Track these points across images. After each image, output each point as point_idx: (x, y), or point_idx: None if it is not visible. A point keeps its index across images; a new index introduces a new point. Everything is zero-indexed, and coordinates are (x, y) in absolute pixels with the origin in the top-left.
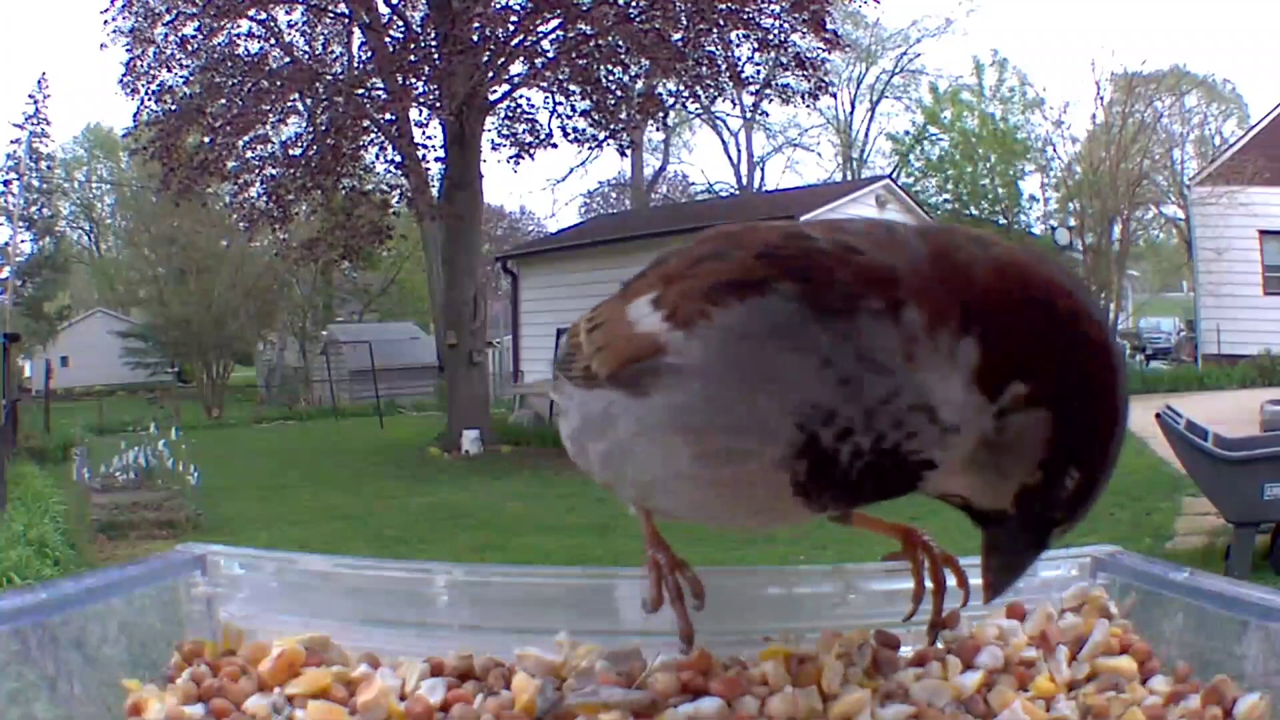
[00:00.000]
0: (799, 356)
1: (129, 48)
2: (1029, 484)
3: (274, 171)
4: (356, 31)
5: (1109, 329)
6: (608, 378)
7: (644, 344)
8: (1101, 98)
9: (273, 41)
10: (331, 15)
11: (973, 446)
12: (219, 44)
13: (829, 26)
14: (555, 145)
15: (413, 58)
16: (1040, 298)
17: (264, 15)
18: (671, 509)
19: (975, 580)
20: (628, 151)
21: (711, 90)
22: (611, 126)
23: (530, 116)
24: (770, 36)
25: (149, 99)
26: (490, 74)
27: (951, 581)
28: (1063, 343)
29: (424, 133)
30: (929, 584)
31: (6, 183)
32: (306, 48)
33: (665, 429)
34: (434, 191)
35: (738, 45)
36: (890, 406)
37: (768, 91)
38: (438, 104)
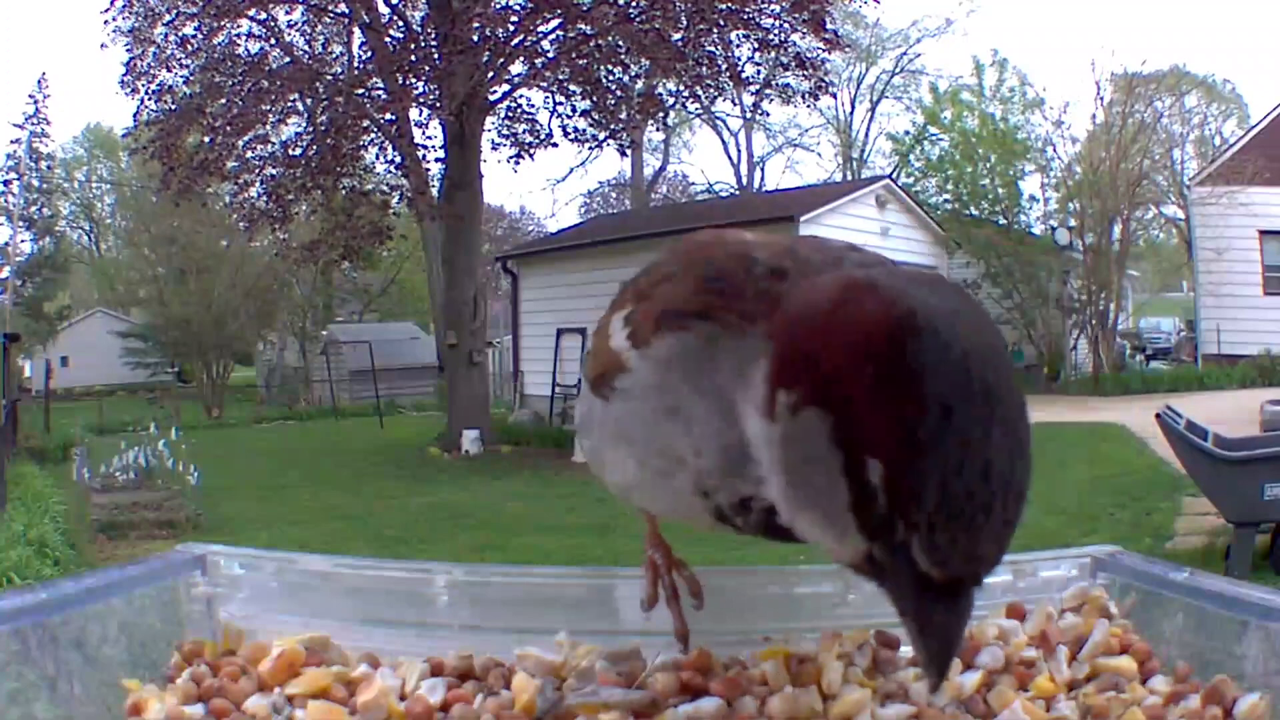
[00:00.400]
0: (696, 398)
1: (129, 48)
2: (854, 508)
3: (274, 171)
4: (356, 31)
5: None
6: (590, 384)
7: (612, 359)
8: (1101, 98)
9: (273, 41)
10: (331, 15)
11: (780, 479)
12: (219, 44)
13: (829, 26)
14: (555, 145)
15: (413, 58)
16: (827, 302)
17: (264, 15)
18: (647, 508)
19: (986, 580)
20: (628, 151)
21: (711, 90)
22: (611, 126)
23: (530, 116)
24: (770, 36)
25: (149, 99)
26: (490, 74)
27: None
28: (837, 339)
29: (424, 133)
30: None
31: (6, 183)
32: (306, 48)
33: (618, 437)
34: (434, 191)
35: (738, 45)
36: (736, 456)
37: (768, 91)
38: (438, 104)
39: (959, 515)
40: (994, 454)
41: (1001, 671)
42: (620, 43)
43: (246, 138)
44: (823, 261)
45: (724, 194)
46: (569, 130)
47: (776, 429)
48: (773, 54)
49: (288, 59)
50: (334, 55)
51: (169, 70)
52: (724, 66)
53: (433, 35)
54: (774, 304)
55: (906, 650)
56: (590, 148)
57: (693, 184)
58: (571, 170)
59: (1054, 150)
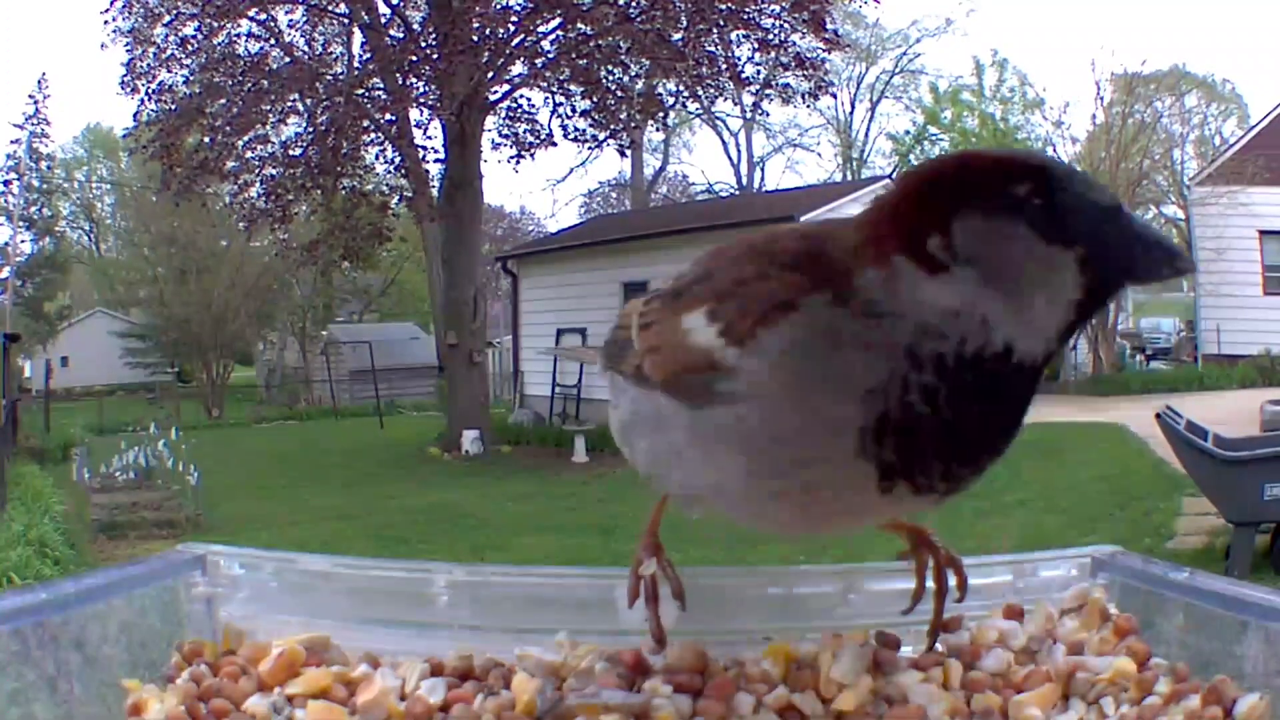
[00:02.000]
0: (844, 353)
1: (129, 48)
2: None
3: (274, 171)
4: (356, 31)
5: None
6: (661, 383)
7: (699, 357)
8: (1101, 98)
9: (273, 41)
10: (331, 15)
11: (997, 297)
12: (219, 44)
13: (829, 26)
14: (555, 145)
15: (413, 58)
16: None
17: (264, 15)
18: (725, 512)
19: (976, 581)
20: (628, 151)
21: (711, 90)
22: (612, 126)
23: (530, 116)
24: (770, 36)
25: (149, 99)
26: (490, 74)
27: (951, 582)
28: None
29: (424, 133)
30: (930, 585)
31: (6, 183)
32: (306, 48)
33: (721, 442)
34: (434, 192)
35: (738, 45)
36: (927, 332)
37: (768, 91)
38: (438, 104)
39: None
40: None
41: (1002, 673)
42: (620, 43)
43: (246, 138)
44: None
45: (724, 194)
46: (569, 130)
47: (959, 261)
48: (773, 54)
49: (288, 59)
50: (334, 55)
51: (169, 70)
52: (724, 66)
53: (433, 35)
54: (861, 242)
55: (907, 650)
56: (590, 148)
57: (693, 184)
58: (571, 170)
59: (1054, 150)
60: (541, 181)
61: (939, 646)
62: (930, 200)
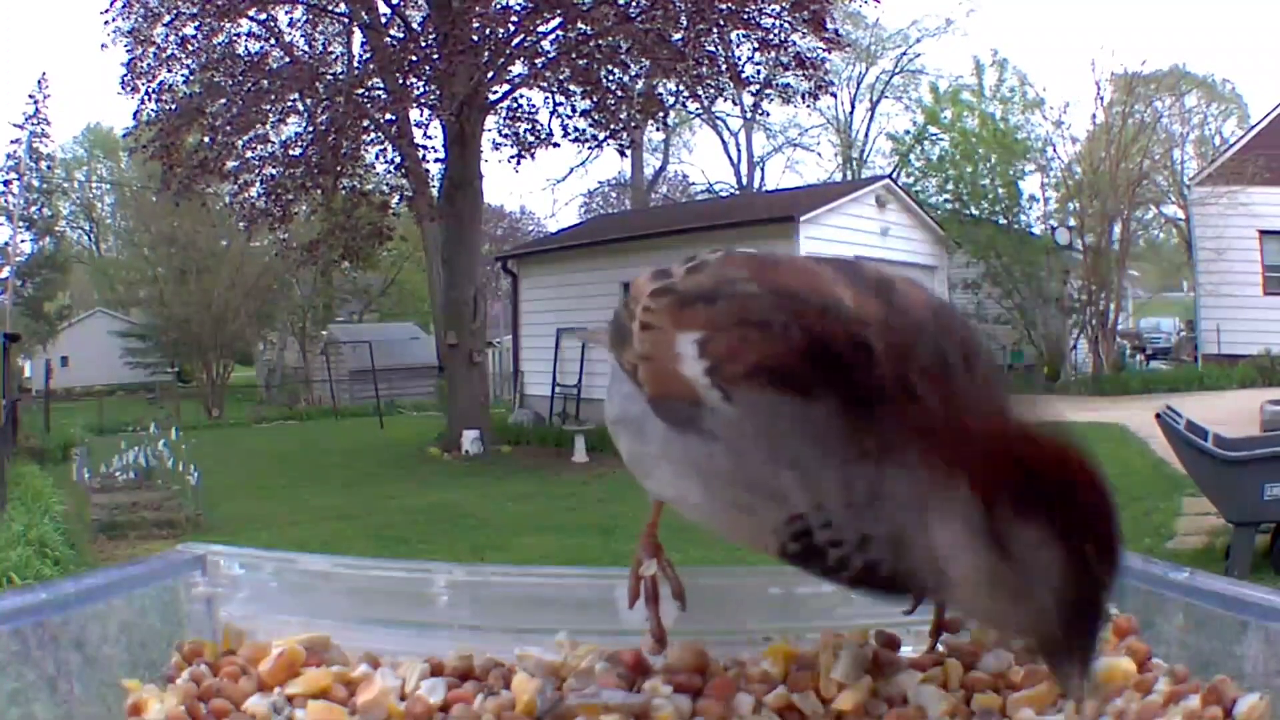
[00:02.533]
0: (806, 448)
1: (129, 48)
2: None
3: (274, 171)
4: (356, 31)
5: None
6: (649, 399)
7: (683, 387)
8: (1101, 98)
9: (273, 41)
10: (331, 15)
11: (969, 583)
12: (219, 44)
13: (829, 26)
14: (556, 145)
15: (413, 58)
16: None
17: (264, 15)
18: (692, 520)
19: None
20: (628, 151)
21: (711, 90)
22: (612, 126)
23: (531, 116)
24: (770, 36)
25: (149, 99)
26: (490, 74)
27: None
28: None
29: (424, 133)
30: None
31: (6, 183)
32: (306, 48)
33: (687, 466)
34: (434, 192)
35: (738, 45)
36: (880, 514)
37: (768, 91)
38: (438, 104)
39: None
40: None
41: (1001, 674)
42: (620, 43)
43: (246, 137)
44: (917, 343)
45: (724, 194)
46: (569, 130)
47: (991, 537)
48: (773, 54)
49: (288, 59)
50: (334, 55)
51: (169, 70)
52: (724, 66)
53: (433, 35)
54: (911, 409)
55: (907, 650)
56: (590, 148)
57: (693, 184)
58: (571, 170)
59: (1054, 150)
60: (541, 181)
61: (939, 647)
62: (1047, 491)
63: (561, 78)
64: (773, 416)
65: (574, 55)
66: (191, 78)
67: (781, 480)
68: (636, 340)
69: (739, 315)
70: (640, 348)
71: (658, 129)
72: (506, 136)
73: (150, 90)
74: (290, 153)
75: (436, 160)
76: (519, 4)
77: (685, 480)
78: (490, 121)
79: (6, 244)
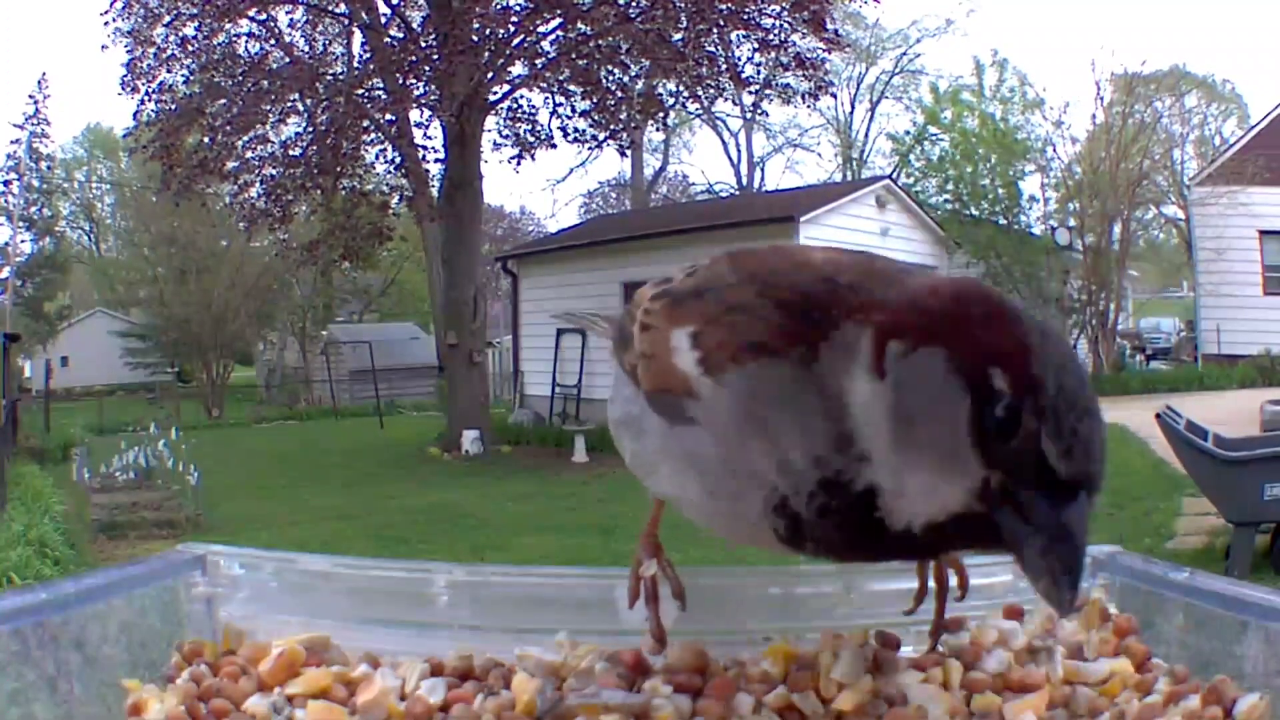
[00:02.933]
0: (783, 411)
1: (129, 49)
2: (974, 444)
3: (274, 171)
4: (356, 31)
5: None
6: (647, 396)
7: (677, 380)
8: (1101, 98)
9: (273, 42)
10: (331, 15)
11: (892, 427)
12: (219, 44)
13: (829, 26)
14: (555, 145)
15: (413, 58)
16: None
17: (264, 15)
18: (703, 525)
19: (977, 581)
20: (628, 151)
21: (711, 90)
22: (611, 127)
23: (531, 117)
24: (770, 37)
25: (149, 99)
26: (490, 74)
27: (953, 581)
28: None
29: (424, 133)
30: (932, 584)
31: (6, 183)
32: (306, 48)
33: (683, 460)
34: (434, 192)
35: (738, 45)
36: (832, 441)
37: (768, 91)
38: (438, 104)
39: (1075, 403)
40: (1080, 371)
41: (1001, 674)
42: (620, 43)
43: (246, 138)
44: (891, 274)
45: (724, 194)
46: (569, 130)
47: (887, 381)
48: (773, 54)
49: (288, 59)
50: (334, 55)
51: (169, 70)
52: (724, 66)
53: (433, 35)
54: (864, 304)
55: (907, 650)
56: (590, 148)
57: (693, 184)
58: (571, 170)
59: (1054, 150)
60: (541, 181)
61: (940, 647)
62: (935, 319)
63: (561, 78)
64: (751, 391)
65: (574, 55)
66: (191, 78)
67: (758, 453)
68: (637, 341)
69: (725, 305)
70: (640, 347)
71: (658, 129)
72: (506, 137)
73: (150, 90)
74: (290, 153)
75: (436, 160)
76: (519, 4)
77: (683, 476)
78: (490, 122)
79: (6, 244)
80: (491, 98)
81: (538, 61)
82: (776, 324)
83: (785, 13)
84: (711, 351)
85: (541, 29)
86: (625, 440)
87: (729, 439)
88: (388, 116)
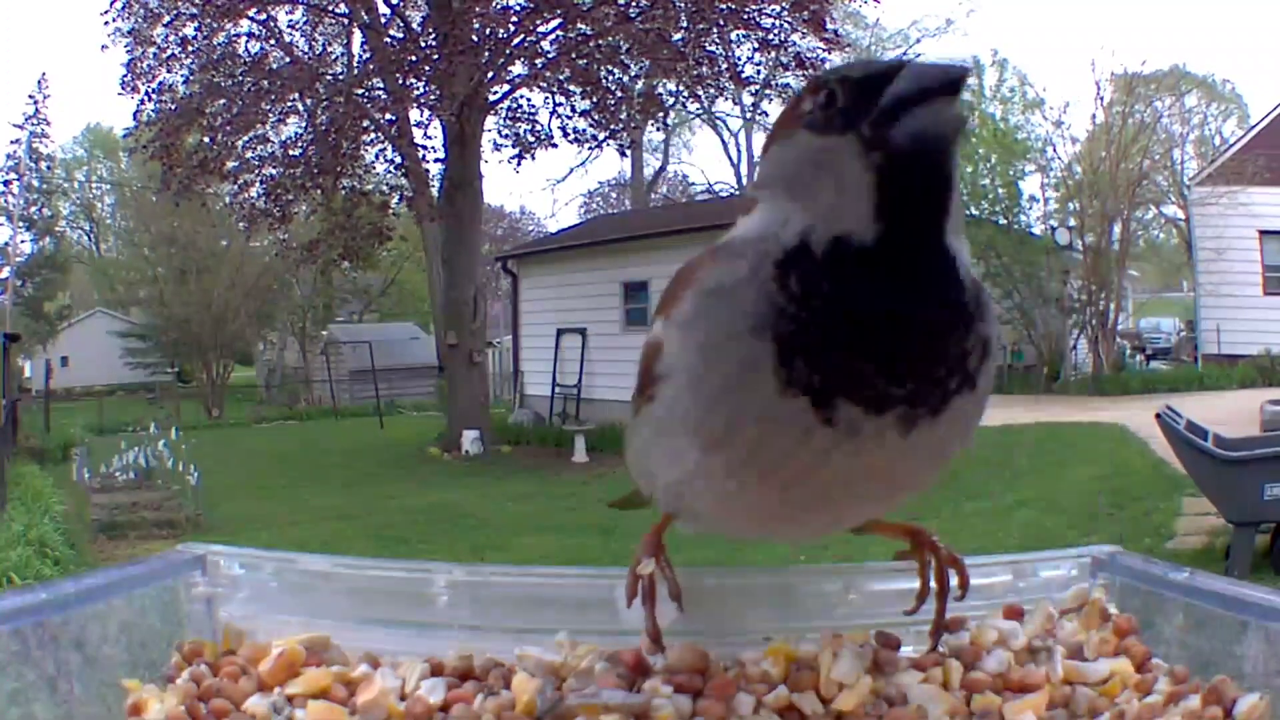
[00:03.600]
0: (732, 301)
1: (129, 49)
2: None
3: (274, 171)
4: (356, 31)
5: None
6: (635, 395)
7: (650, 348)
8: (1101, 98)
9: (273, 41)
10: (331, 15)
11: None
12: (219, 44)
13: (829, 26)
14: (555, 145)
15: (413, 58)
16: None
17: (264, 15)
18: (700, 505)
19: (977, 581)
20: (628, 151)
21: (711, 90)
22: (611, 126)
23: (531, 116)
24: (770, 36)
25: (149, 99)
26: (490, 74)
27: (953, 581)
28: None
29: (424, 133)
30: (933, 585)
31: (6, 183)
32: (306, 48)
33: (674, 427)
34: (434, 191)
35: (738, 45)
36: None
37: (768, 91)
38: (438, 104)
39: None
40: None
41: (1002, 674)
42: (620, 43)
43: (246, 137)
44: None
45: (724, 194)
46: (569, 130)
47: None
48: (773, 54)
49: (288, 59)
50: (334, 55)
51: (169, 70)
52: (724, 66)
53: (433, 35)
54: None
55: (907, 650)
56: (590, 148)
57: (693, 184)
58: (571, 170)
59: (1054, 150)
60: (541, 181)
61: (940, 647)
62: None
63: (561, 78)
64: (699, 309)
65: (574, 55)
66: (191, 78)
67: (734, 332)
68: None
69: (680, 278)
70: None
71: (658, 129)
72: (506, 137)
73: (150, 90)
74: (290, 153)
75: (436, 160)
76: (519, 4)
77: (678, 443)
78: (490, 122)
79: (6, 244)
80: (491, 97)
81: (538, 61)
82: (703, 261)
83: (785, 12)
84: (664, 303)
85: (541, 29)
86: (632, 448)
87: (700, 365)
88: (388, 116)
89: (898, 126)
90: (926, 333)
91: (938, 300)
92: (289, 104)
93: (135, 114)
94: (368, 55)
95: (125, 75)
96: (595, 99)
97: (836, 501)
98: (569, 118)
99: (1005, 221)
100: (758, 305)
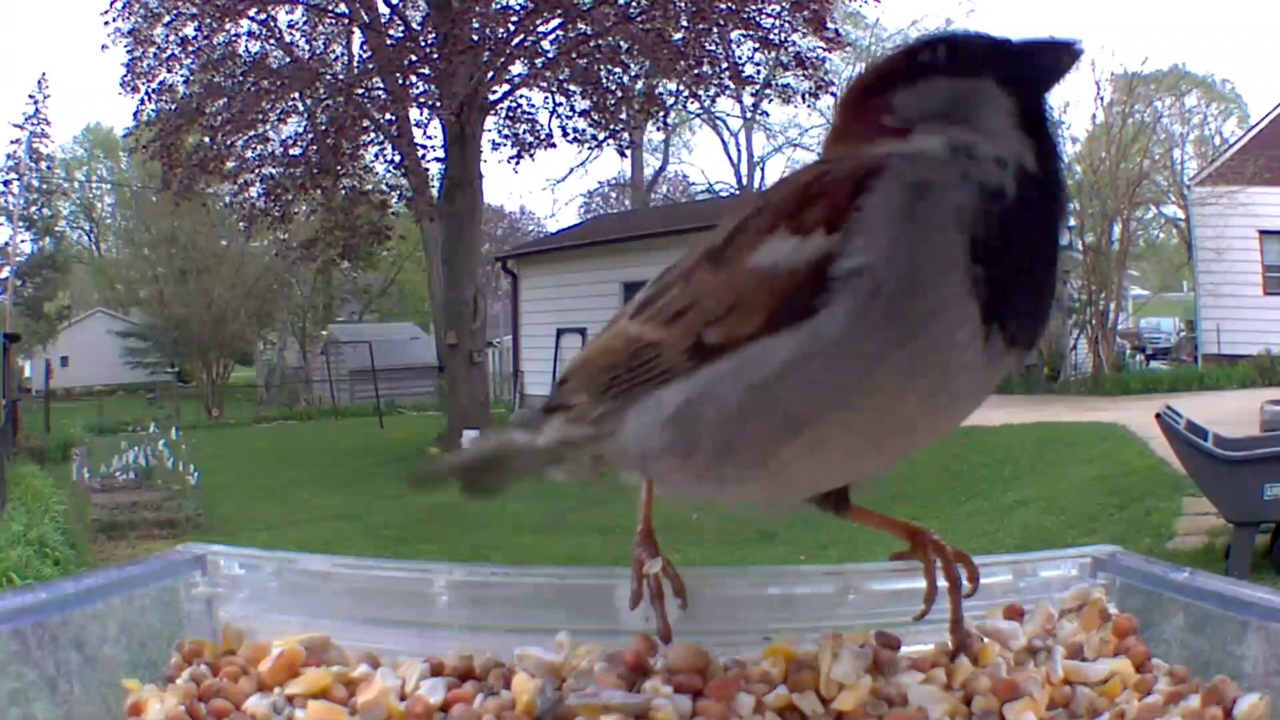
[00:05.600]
0: (937, 195)
1: (129, 48)
2: None
3: (274, 171)
4: (356, 31)
5: None
6: (752, 333)
7: (808, 268)
8: (1101, 98)
9: (273, 41)
10: (331, 15)
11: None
12: (219, 44)
13: (829, 26)
14: (555, 145)
15: (413, 58)
16: None
17: (264, 15)
18: (807, 457)
19: (985, 581)
20: (628, 151)
21: (712, 90)
22: (611, 126)
23: (530, 116)
24: (770, 36)
25: (149, 99)
26: (490, 74)
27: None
28: None
29: (424, 133)
30: (943, 583)
31: (6, 183)
32: (307, 48)
33: (847, 335)
34: (434, 191)
35: (738, 45)
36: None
37: (768, 91)
38: (438, 104)
39: None
40: None
41: (1001, 674)
42: (620, 43)
43: (246, 137)
44: None
45: (724, 194)
46: (569, 130)
47: None
48: (773, 54)
49: (288, 59)
50: (334, 55)
51: (169, 70)
52: (724, 66)
53: (433, 35)
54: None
55: (907, 650)
56: (590, 148)
57: (693, 184)
58: (571, 170)
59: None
60: (541, 181)
61: (935, 645)
62: (871, 91)
63: (561, 78)
64: (904, 201)
65: (574, 55)
66: (191, 78)
67: (939, 229)
68: (680, 329)
69: (771, 213)
70: (703, 318)
71: (658, 129)
72: (506, 136)
73: (150, 90)
74: (290, 153)
75: (436, 160)
76: (519, 4)
77: (844, 356)
78: (490, 121)
79: (6, 244)
80: (491, 97)
81: (538, 61)
82: (856, 163)
83: (785, 12)
84: (823, 214)
85: (541, 29)
86: (719, 430)
87: (900, 260)
88: (388, 116)
89: (1028, 66)
90: (1054, 275)
91: (1058, 245)
92: (289, 104)
93: (135, 114)
94: (368, 55)
95: (125, 75)
96: (595, 99)
97: (929, 424)
98: (569, 118)
99: None
100: (968, 203)
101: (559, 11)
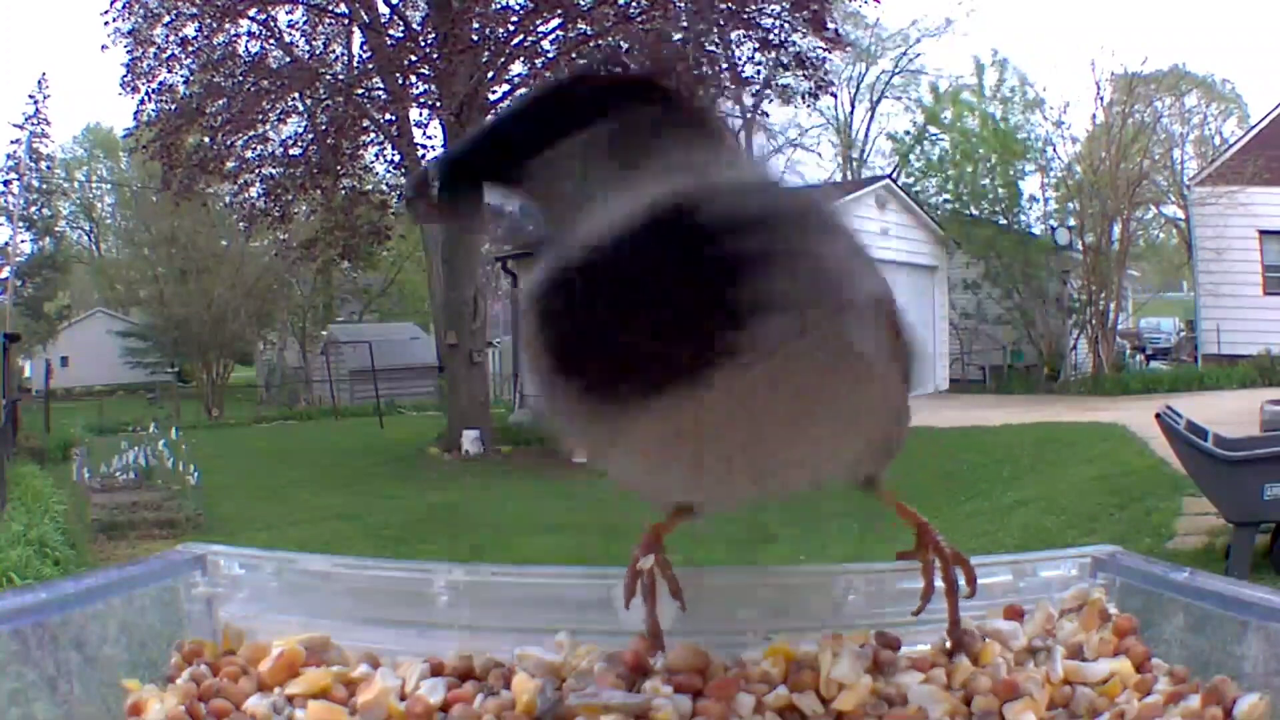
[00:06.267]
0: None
1: (129, 49)
2: None
3: (274, 171)
4: (356, 31)
5: None
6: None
7: None
8: (1101, 98)
9: (273, 41)
10: (331, 15)
11: None
12: (219, 44)
13: (829, 26)
14: None
15: (413, 58)
16: None
17: (264, 15)
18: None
19: (985, 581)
20: None
21: (712, 90)
22: None
23: None
24: (770, 36)
25: (149, 99)
26: (490, 74)
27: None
28: None
29: (424, 133)
30: (940, 584)
31: (6, 183)
32: (307, 48)
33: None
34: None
35: (738, 45)
36: None
37: (768, 91)
38: (438, 104)
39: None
40: None
41: (1001, 674)
42: (620, 43)
43: (246, 137)
44: None
45: None
46: None
47: None
48: (773, 54)
49: (288, 59)
50: (334, 55)
51: (169, 70)
52: (724, 66)
53: (432, 35)
54: None
55: (907, 650)
56: None
57: None
58: None
59: (1054, 150)
60: None
61: (934, 645)
62: None
63: None
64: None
65: (574, 55)
66: (191, 78)
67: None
68: None
69: None
70: None
71: None
72: None
73: (150, 90)
74: (290, 153)
75: None
76: (519, 4)
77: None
78: None
79: (6, 244)
80: (491, 97)
81: (538, 61)
82: None
83: (785, 12)
84: None
85: (541, 28)
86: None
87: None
88: (388, 116)
89: None
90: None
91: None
92: (289, 104)
93: (135, 114)
94: (368, 55)
95: (125, 75)
96: None
97: (723, 463)
98: None
99: (1005, 221)
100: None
101: (559, 11)
